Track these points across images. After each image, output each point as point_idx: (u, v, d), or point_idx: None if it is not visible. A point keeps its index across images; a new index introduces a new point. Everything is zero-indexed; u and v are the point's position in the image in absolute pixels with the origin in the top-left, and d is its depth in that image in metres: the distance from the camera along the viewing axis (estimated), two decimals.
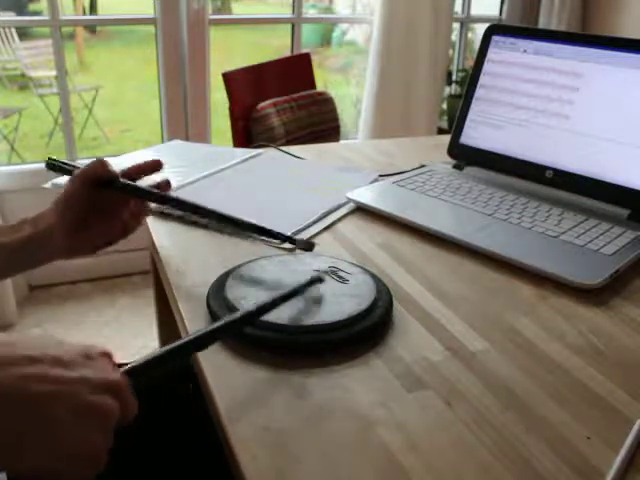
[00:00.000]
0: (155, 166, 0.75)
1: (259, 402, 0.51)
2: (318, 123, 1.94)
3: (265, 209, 0.89)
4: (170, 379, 0.75)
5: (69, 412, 0.38)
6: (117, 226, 0.73)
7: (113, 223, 0.72)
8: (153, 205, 0.79)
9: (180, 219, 0.85)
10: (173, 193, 0.76)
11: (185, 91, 2.25)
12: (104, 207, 0.71)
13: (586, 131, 0.91)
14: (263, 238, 0.78)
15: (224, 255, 0.75)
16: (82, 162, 0.73)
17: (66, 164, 0.75)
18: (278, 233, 0.73)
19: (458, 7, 2.62)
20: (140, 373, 0.45)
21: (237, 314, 0.54)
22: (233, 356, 0.57)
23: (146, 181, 0.74)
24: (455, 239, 0.80)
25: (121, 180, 0.70)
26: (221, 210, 0.73)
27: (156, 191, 0.73)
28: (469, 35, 2.86)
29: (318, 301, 0.61)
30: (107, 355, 0.44)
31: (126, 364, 0.45)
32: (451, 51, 2.71)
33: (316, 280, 0.63)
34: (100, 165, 0.69)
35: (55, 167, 0.76)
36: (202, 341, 0.50)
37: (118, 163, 0.72)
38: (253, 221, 0.73)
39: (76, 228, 0.68)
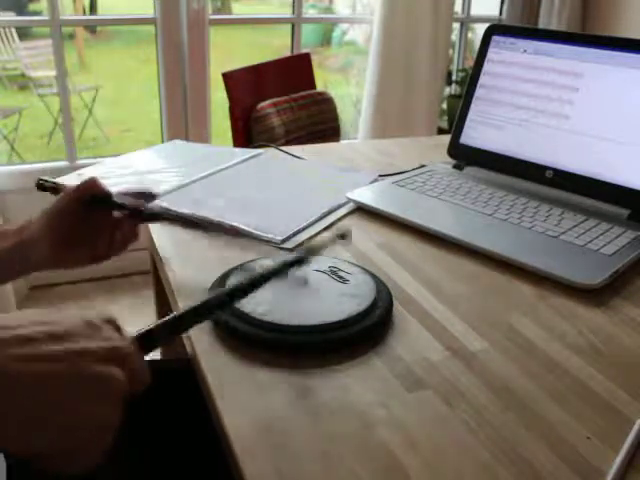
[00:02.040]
0: (148, 196, 0.74)
1: (259, 402, 0.51)
2: (318, 123, 1.94)
3: (265, 209, 0.89)
4: (170, 379, 0.75)
5: (71, 389, 0.37)
6: (104, 245, 0.72)
7: (101, 241, 0.71)
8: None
9: (177, 220, 0.85)
10: (170, 194, 0.76)
11: (185, 91, 2.25)
12: (93, 224, 0.70)
13: (586, 131, 0.91)
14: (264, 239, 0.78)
15: (224, 255, 0.75)
16: (72, 179, 0.72)
17: (56, 184, 0.75)
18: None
19: (458, 7, 2.62)
20: (149, 338, 0.44)
21: (227, 288, 0.52)
22: (233, 356, 0.57)
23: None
24: (455, 239, 0.80)
25: (115, 198, 0.70)
26: (219, 219, 0.72)
27: (149, 209, 0.72)
28: (469, 35, 2.86)
29: (318, 300, 0.61)
30: (111, 321, 0.43)
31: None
32: (451, 51, 2.71)
33: (300, 260, 0.60)
34: (94, 183, 0.69)
35: (46, 187, 0.76)
36: (212, 305, 0.49)
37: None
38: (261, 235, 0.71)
39: (63, 242, 0.68)
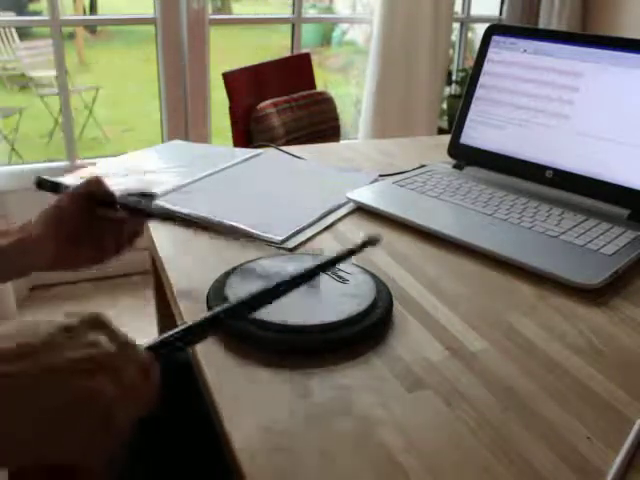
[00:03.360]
0: (150, 196, 0.73)
1: (259, 402, 0.51)
2: (318, 123, 1.94)
3: (265, 209, 0.89)
4: (170, 378, 0.74)
5: (47, 408, 0.34)
6: (107, 245, 0.71)
7: (103, 242, 0.71)
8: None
9: (180, 219, 0.84)
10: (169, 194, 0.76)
11: (185, 91, 2.25)
12: (97, 224, 0.69)
13: (586, 131, 0.91)
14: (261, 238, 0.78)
15: (224, 255, 0.75)
16: (72, 179, 0.71)
17: (56, 183, 0.74)
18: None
19: (458, 7, 2.62)
20: (160, 349, 0.41)
21: (240, 298, 0.51)
22: (233, 356, 0.57)
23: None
24: (455, 239, 0.80)
25: (118, 199, 0.69)
26: (219, 219, 0.72)
27: (153, 208, 0.71)
28: (469, 35, 2.86)
29: (318, 300, 0.61)
30: (98, 322, 0.38)
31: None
32: (451, 51, 2.71)
33: (316, 272, 0.59)
34: (97, 182, 0.68)
35: (45, 185, 0.75)
36: (210, 323, 0.47)
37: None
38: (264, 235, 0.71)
39: (66, 242, 0.67)
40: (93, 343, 0.37)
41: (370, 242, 0.63)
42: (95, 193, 0.68)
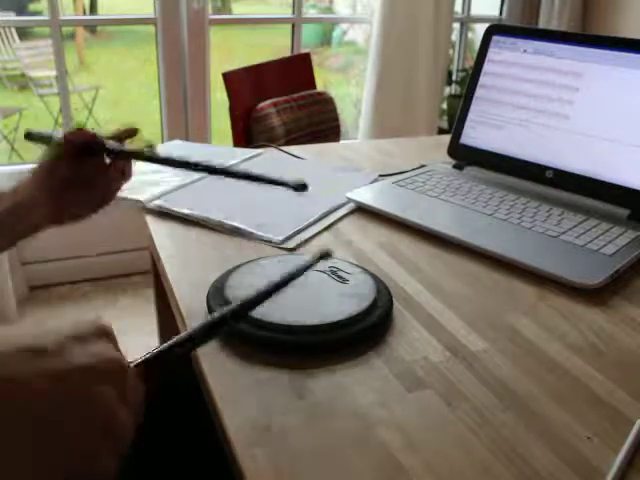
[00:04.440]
0: (131, 132, 0.72)
1: (259, 402, 0.51)
2: (318, 123, 1.94)
3: (265, 209, 0.89)
4: (170, 378, 0.75)
5: (50, 415, 0.33)
6: (99, 193, 0.71)
7: (95, 190, 0.70)
8: (147, 199, 0.77)
9: (180, 219, 0.85)
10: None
11: (185, 91, 2.25)
12: (87, 172, 0.69)
13: (586, 131, 0.91)
14: (261, 237, 0.78)
15: (224, 255, 0.75)
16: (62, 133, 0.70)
17: (46, 135, 0.73)
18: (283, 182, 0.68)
19: (458, 7, 2.62)
20: (150, 365, 0.40)
21: (238, 303, 0.51)
22: (233, 356, 0.57)
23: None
24: (455, 239, 0.80)
25: (108, 145, 0.68)
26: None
27: (147, 151, 0.70)
28: (469, 35, 2.86)
29: (318, 300, 0.61)
30: (104, 333, 0.38)
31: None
32: (451, 51, 2.71)
33: (314, 263, 0.58)
34: (82, 131, 0.67)
35: (34, 137, 0.72)
36: (210, 329, 0.45)
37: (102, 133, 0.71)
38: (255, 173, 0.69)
39: (59, 196, 0.67)
40: (100, 352, 0.36)
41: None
42: (81, 141, 0.67)
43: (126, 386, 0.37)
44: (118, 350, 0.38)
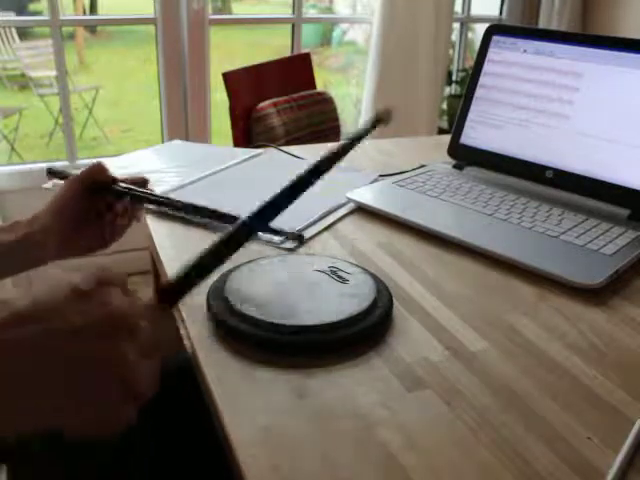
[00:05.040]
0: (142, 182, 0.76)
1: (259, 402, 0.51)
2: (318, 123, 1.94)
3: None
4: (170, 378, 0.74)
5: (63, 377, 0.33)
6: (108, 229, 0.74)
7: (105, 226, 0.73)
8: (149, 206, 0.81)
9: (180, 219, 0.85)
10: (170, 194, 0.77)
11: (185, 91, 2.25)
12: (98, 210, 0.71)
13: (586, 131, 0.91)
14: (267, 237, 0.78)
15: None
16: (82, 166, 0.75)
17: (65, 172, 0.78)
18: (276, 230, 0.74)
19: (458, 7, 2.62)
20: (168, 293, 0.40)
21: (254, 210, 0.50)
22: (233, 356, 0.57)
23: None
24: (455, 239, 0.80)
25: (119, 184, 0.71)
26: (218, 208, 0.74)
27: (153, 193, 0.74)
28: (469, 35, 2.86)
29: (318, 300, 0.61)
30: (106, 279, 0.37)
31: None
32: (451, 51, 2.71)
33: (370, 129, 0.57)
34: (98, 169, 0.69)
35: (54, 173, 0.78)
36: (224, 246, 0.46)
37: (119, 163, 0.73)
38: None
39: (70, 232, 0.69)
40: (108, 303, 0.35)
41: (380, 120, 0.61)
42: (97, 178, 0.69)
43: (138, 332, 0.36)
44: (127, 295, 0.37)
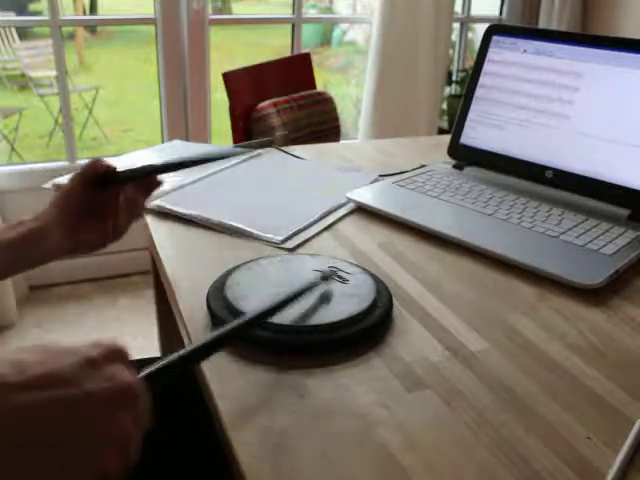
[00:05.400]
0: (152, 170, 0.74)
1: (260, 402, 0.51)
2: (318, 123, 1.94)
3: (265, 209, 0.89)
4: (170, 379, 0.74)
5: (68, 442, 0.33)
6: (112, 223, 0.72)
7: (109, 223, 0.72)
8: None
9: (180, 219, 0.85)
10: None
11: (185, 91, 2.25)
12: (101, 207, 0.71)
13: (586, 131, 0.91)
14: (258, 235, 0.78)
15: (224, 255, 0.75)
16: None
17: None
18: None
19: (458, 7, 2.62)
20: (155, 378, 0.41)
21: (246, 317, 0.52)
22: (234, 356, 0.57)
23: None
24: (455, 239, 0.80)
25: (120, 171, 0.70)
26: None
27: (153, 164, 0.72)
28: (469, 35, 2.86)
29: (321, 301, 0.61)
30: (117, 353, 0.38)
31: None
32: (451, 51, 2.71)
33: (321, 281, 0.63)
34: (98, 163, 0.69)
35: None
36: (215, 344, 0.47)
37: (119, 163, 0.73)
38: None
39: (74, 228, 0.68)
40: (113, 377, 0.37)
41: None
42: (98, 172, 0.68)
43: (139, 408, 0.37)
44: (131, 371, 0.38)
